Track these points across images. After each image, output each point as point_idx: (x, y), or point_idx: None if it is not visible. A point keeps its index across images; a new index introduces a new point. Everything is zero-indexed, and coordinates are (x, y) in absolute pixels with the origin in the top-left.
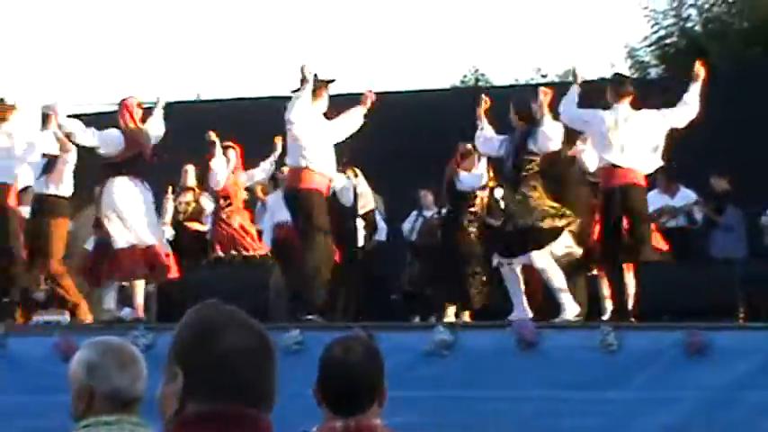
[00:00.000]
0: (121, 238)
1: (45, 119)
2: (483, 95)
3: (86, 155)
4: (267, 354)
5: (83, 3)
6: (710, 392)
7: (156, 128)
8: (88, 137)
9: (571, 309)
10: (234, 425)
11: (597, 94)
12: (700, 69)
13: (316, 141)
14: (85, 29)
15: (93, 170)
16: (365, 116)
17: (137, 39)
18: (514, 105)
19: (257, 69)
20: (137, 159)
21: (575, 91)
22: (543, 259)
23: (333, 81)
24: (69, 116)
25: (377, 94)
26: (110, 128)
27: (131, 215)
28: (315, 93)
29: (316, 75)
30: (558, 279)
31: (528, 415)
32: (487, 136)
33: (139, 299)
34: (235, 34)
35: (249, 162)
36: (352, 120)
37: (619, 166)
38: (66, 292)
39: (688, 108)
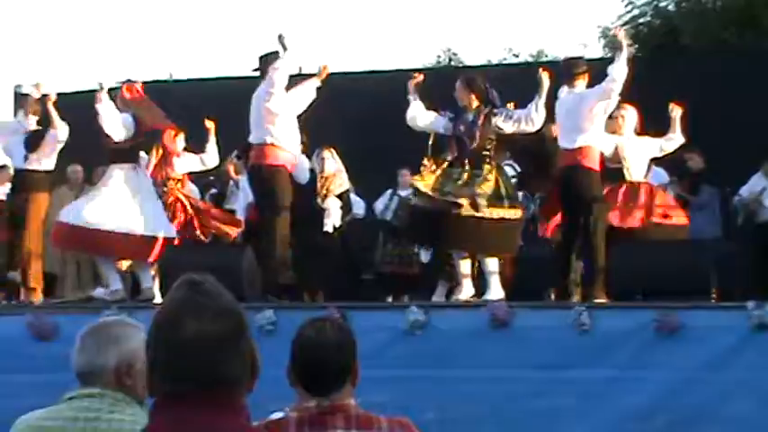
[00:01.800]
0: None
1: (18, 99)
2: (414, 74)
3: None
4: (237, 335)
5: None
6: (683, 372)
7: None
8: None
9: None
10: (201, 408)
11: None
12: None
13: (284, 116)
14: (54, 7)
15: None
16: (322, 90)
17: (108, 17)
18: (470, 85)
19: (230, 49)
20: (139, 145)
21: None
22: None
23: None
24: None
25: (351, 74)
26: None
27: (130, 203)
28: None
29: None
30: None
31: (500, 395)
32: (425, 113)
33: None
34: (207, 13)
35: (225, 143)
36: (307, 92)
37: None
38: (28, 274)
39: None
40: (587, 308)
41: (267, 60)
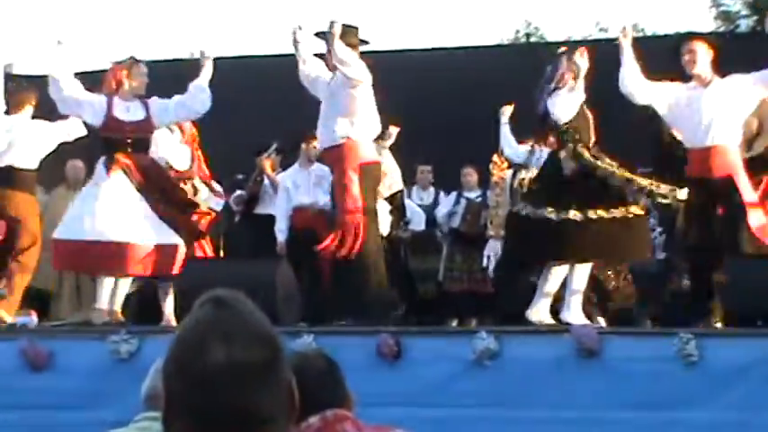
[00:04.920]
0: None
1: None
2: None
3: None
4: (273, 365)
5: None
6: None
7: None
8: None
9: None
10: None
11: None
12: None
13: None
14: None
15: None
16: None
17: None
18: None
19: (266, 23)
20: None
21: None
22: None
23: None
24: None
25: (404, 52)
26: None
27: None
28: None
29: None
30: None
31: None
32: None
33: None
34: None
35: (260, 131)
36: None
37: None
38: (12, 287)
39: None
40: (695, 335)
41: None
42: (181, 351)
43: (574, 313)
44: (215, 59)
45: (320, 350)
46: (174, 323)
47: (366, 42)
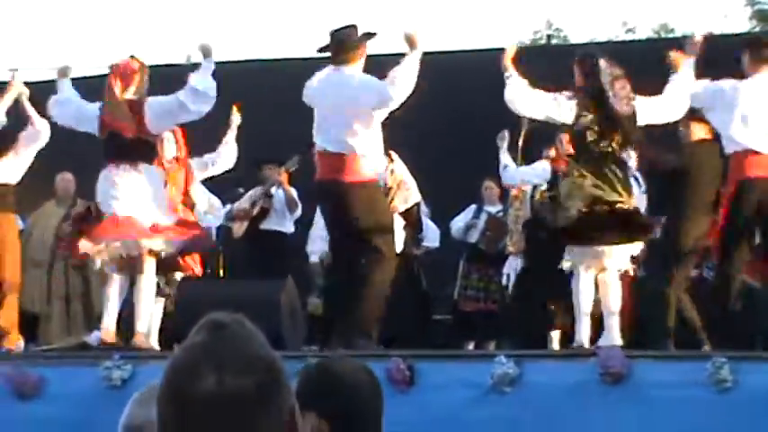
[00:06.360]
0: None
1: None
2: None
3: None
4: (269, 393)
5: None
6: None
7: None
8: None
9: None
10: None
11: (709, 54)
12: None
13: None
14: None
15: (57, 155)
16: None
17: None
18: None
19: (268, 26)
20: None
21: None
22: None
23: (373, 35)
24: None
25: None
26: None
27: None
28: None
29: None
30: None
31: None
32: (531, 93)
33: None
34: None
35: (260, 141)
36: (407, 75)
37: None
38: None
39: None
40: (729, 359)
41: (345, 39)
42: (174, 377)
43: (613, 336)
44: (223, 63)
45: (360, 363)
46: (145, 343)
47: (373, 35)
